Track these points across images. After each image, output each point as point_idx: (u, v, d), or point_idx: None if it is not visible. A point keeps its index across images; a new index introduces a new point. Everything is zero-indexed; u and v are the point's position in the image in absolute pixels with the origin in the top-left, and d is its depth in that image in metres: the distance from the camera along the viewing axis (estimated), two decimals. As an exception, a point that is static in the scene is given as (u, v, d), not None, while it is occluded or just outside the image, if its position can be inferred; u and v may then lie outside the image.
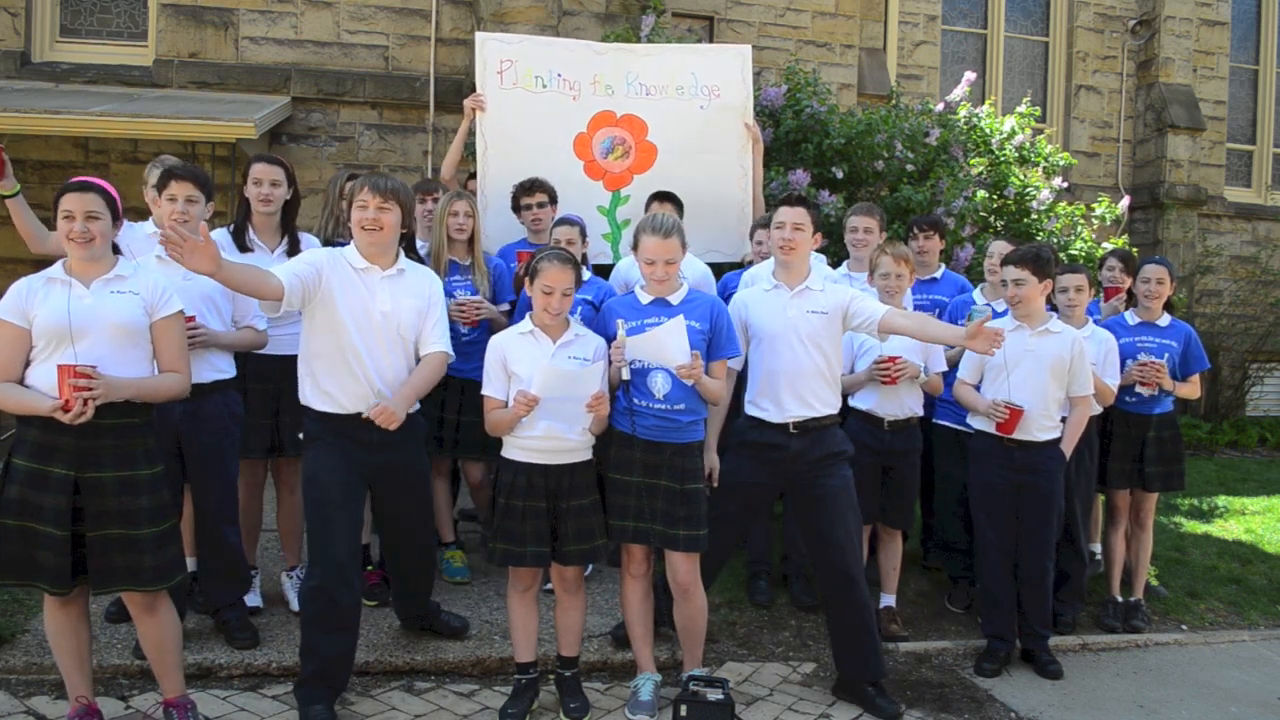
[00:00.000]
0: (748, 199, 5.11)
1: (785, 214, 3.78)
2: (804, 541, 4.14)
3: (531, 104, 4.98)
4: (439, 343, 3.52)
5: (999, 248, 4.76)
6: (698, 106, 5.10)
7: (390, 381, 3.43)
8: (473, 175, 5.13)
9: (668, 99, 5.10)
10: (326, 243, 4.35)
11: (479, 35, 5.06)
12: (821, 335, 3.73)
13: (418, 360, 3.52)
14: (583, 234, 4.46)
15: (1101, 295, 5.14)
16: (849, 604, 3.77)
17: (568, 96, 5.03)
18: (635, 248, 3.59)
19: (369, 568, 4.35)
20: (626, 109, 5.08)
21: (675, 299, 3.55)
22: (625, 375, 3.43)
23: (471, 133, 5.00)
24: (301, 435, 3.51)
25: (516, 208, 4.70)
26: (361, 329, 3.38)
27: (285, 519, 4.31)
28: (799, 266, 3.79)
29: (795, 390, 3.71)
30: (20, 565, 2.94)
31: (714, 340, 3.55)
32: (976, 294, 4.87)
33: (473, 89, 5.06)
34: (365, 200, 3.38)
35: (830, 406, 3.78)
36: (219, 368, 3.76)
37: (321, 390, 3.40)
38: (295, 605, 4.11)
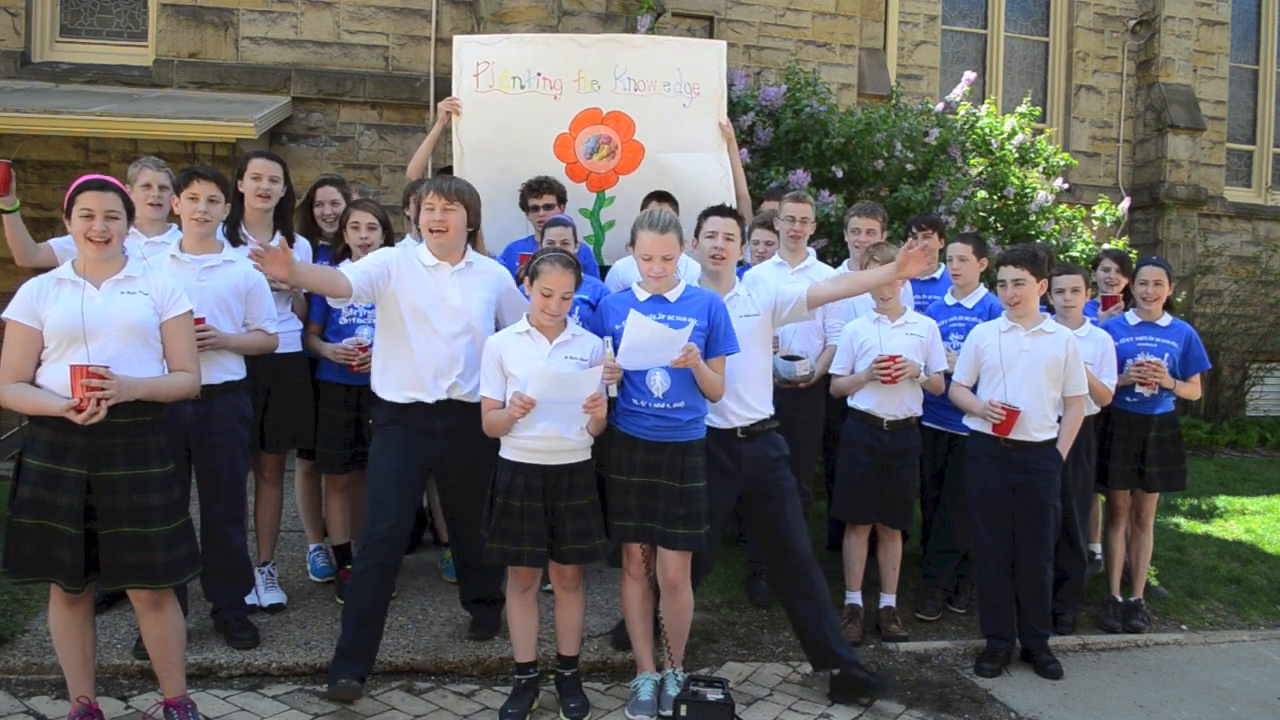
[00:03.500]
0: (731, 198, 5.05)
1: (718, 224, 3.69)
2: (759, 543, 4.17)
3: (509, 106, 4.83)
4: None
5: (958, 249, 4.71)
6: (680, 104, 4.97)
7: (464, 373, 3.59)
8: (444, 170, 5.06)
9: (655, 95, 4.93)
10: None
11: (457, 38, 4.95)
12: (755, 336, 3.71)
13: None
14: (575, 235, 4.45)
15: (1100, 299, 5.11)
16: (803, 598, 3.77)
17: (548, 96, 4.86)
18: (632, 244, 3.60)
19: (347, 567, 4.37)
20: (613, 106, 4.91)
21: (673, 296, 3.55)
22: (613, 392, 3.45)
23: (448, 131, 4.91)
24: (371, 421, 3.79)
25: (524, 206, 4.65)
26: (432, 323, 3.56)
27: (263, 512, 4.32)
28: (727, 276, 3.75)
29: (738, 394, 3.68)
30: (39, 562, 2.96)
31: (712, 336, 3.53)
32: (948, 297, 4.81)
33: None
34: (432, 203, 3.54)
35: (770, 409, 3.79)
36: (229, 369, 3.79)
37: (391, 381, 3.62)
38: (264, 600, 4.20)
